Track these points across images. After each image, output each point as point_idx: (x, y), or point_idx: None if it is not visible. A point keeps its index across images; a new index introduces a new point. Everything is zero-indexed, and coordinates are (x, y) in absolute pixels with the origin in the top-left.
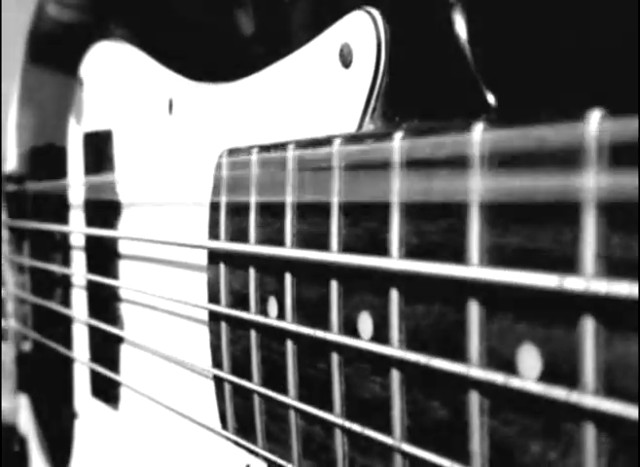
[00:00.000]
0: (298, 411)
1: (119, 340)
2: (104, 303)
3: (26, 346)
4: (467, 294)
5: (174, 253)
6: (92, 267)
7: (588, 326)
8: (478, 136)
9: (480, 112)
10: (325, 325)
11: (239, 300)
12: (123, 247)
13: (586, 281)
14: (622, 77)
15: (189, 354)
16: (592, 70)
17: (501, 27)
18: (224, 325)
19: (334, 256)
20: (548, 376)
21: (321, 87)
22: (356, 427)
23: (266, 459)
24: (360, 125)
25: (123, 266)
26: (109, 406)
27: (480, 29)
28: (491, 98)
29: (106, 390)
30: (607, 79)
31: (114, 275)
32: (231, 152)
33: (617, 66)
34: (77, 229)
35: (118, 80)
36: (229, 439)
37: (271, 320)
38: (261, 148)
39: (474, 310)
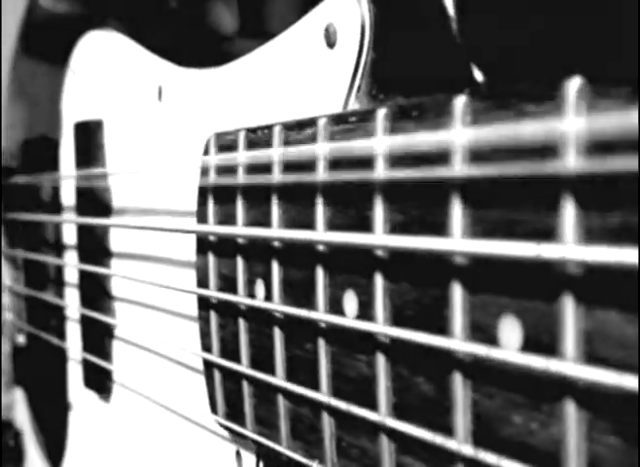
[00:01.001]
0: (285, 392)
1: (111, 330)
2: (96, 293)
3: (21, 339)
4: (449, 268)
5: (164, 243)
6: (84, 258)
7: (568, 296)
8: (459, 110)
9: (465, 88)
10: (311, 305)
11: (228, 284)
12: (114, 237)
13: (564, 250)
14: (605, 51)
15: (179, 343)
16: (578, 44)
17: (488, 3)
18: (212, 310)
19: (319, 235)
20: (529, 346)
21: (307, 67)
22: (341, 405)
23: (255, 443)
24: (345, 105)
25: (114, 259)
26: (101, 397)
27: (467, 5)
28: (478, 74)
29: (98, 381)
30: (591, 53)
31: (105, 266)
32: (219, 135)
33: (600, 40)
34: (69, 219)
35: (108, 69)
36: (219, 423)
37: (259, 302)
38: (248, 130)
39: (456, 284)
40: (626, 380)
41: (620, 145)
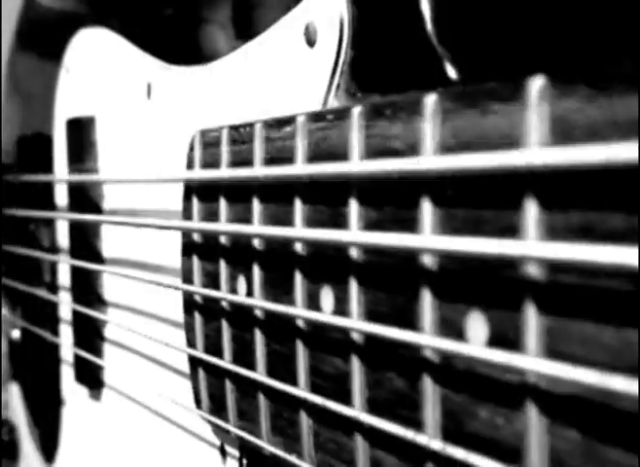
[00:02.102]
0: (265, 388)
1: (101, 327)
2: (88, 287)
3: (16, 335)
4: (420, 266)
5: (153, 244)
6: (75, 251)
7: (530, 293)
8: (429, 109)
9: (439, 86)
10: (290, 302)
11: (211, 282)
12: (105, 229)
13: (526, 248)
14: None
15: (165, 339)
16: (550, 42)
17: (463, 3)
18: (196, 308)
19: (296, 231)
20: (494, 342)
21: (288, 66)
22: (318, 400)
23: (238, 437)
24: (325, 102)
25: (106, 258)
26: (92, 392)
27: (443, 6)
28: (451, 73)
29: (89, 376)
30: (557, 52)
31: (97, 259)
32: (204, 132)
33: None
34: (62, 215)
35: (101, 66)
36: (203, 418)
37: (240, 298)
38: (230, 128)
39: (426, 282)
40: (586, 375)
41: (580, 141)
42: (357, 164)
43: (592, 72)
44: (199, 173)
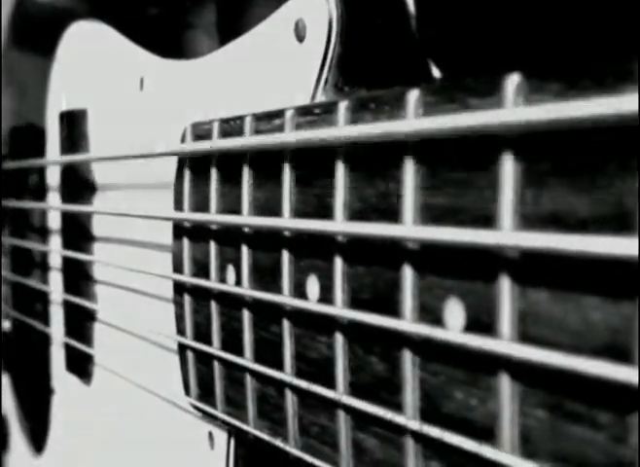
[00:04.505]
0: (253, 373)
1: (92, 314)
2: (78, 279)
3: (6, 325)
4: (401, 253)
5: (144, 231)
6: (68, 244)
7: (505, 279)
8: (412, 104)
9: (422, 82)
10: (277, 289)
11: (201, 269)
12: (96, 225)
13: (501, 236)
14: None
15: (156, 326)
16: (530, 40)
17: (447, 4)
18: (186, 295)
19: (283, 221)
20: (470, 327)
21: (279, 60)
22: (303, 384)
23: (225, 423)
24: (313, 96)
25: (97, 243)
26: (83, 381)
27: (427, 5)
28: (435, 69)
29: (80, 365)
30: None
31: (88, 251)
32: (195, 125)
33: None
34: (54, 206)
35: (93, 59)
36: (192, 405)
37: (229, 286)
38: (221, 121)
39: (407, 268)
40: (554, 358)
41: (553, 137)
42: (344, 129)
43: (564, 70)
44: (192, 145)
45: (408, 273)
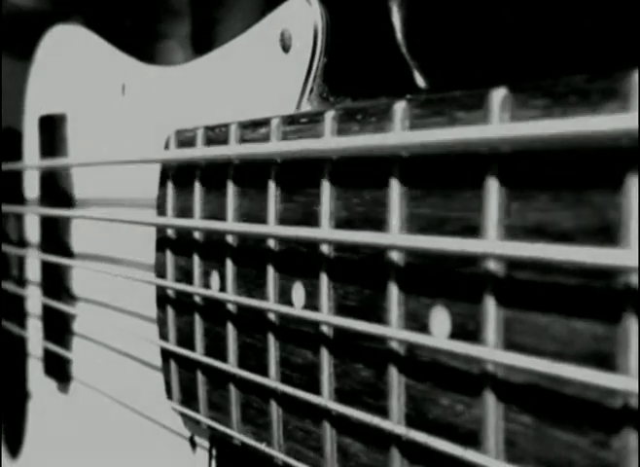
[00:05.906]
0: (237, 379)
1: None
2: (58, 283)
3: None
4: (387, 262)
5: (127, 237)
6: (46, 249)
7: (490, 288)
8: (398, 115)
9: (407, 93)
10: (262, 296)
11: (184, 275)
12: (75, 225)
13: (486, 246)
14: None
15: (137, 332)
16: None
17: (433, 14)
18: (169, 301)
19: (270, 228)
20: (456, 334)
21: (264, 69)
22: (288, 390)
23: (209, 428)
24: (298, 106)
25: (76, 252)
26: (60, 385)
27: (413, 16)
28: (420, 80)
29: (58, 369)
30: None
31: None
32: (179, 132)
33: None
34: (34, 209)
35: (73, 63)
36: (174, 409)
37: (213, 292)
38: (206, 128)
39: (393, 277)
40: (538, 364)
41: (537, 152)
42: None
43: (550, 85)
44: (175, 153)
45: (393, 281)
